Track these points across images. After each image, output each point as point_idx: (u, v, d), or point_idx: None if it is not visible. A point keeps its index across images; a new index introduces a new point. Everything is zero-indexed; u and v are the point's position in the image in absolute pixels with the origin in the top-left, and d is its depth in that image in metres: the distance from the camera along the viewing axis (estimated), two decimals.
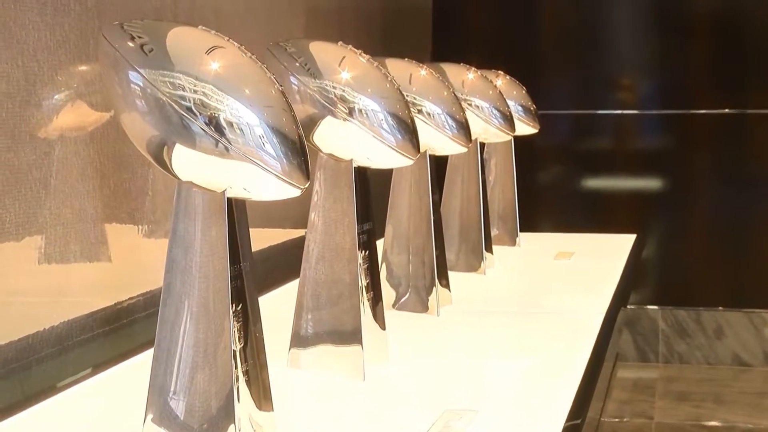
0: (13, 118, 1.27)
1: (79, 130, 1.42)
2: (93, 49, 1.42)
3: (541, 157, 4.06)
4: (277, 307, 1.45)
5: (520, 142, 2.25)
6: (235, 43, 0.96)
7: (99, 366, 1.38)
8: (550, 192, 4.12)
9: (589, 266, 2.09)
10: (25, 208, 1.30)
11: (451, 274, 1.73)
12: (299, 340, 1.29)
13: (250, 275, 0.98)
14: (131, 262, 1.57)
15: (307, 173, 0.94)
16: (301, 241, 1.33)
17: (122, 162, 1.52)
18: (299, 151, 0.93)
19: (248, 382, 0.97)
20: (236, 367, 0.95)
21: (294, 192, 0.94)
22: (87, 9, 1.42)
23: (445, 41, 3.91)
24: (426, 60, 2.53)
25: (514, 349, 1.43)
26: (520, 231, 2.28)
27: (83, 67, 1.42)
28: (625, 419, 3.51)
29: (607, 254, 2.15)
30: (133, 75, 0.93)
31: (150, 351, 1.37)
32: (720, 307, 3.97)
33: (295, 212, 2.09)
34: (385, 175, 1.64)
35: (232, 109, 0.92)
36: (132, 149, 1.53)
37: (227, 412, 0.94)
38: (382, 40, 3.07)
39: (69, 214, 1.40)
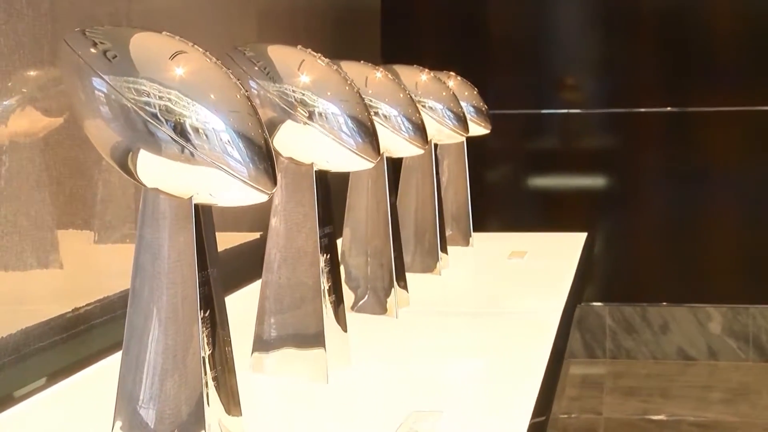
0: None
1: (32, 136, 1.41)
2: (48, 54, 1.40)
3: (491, 157, 4.08)
4: (236, 311, 1.44)
5: (471, 142, 2.26)
6: (200, 49, 0.96)
7: (57, 374, 1.36)
8: (501, 191, 4.15)
9: (542, 265, 2.10)
10: None
11: (407, 276, 1.73)
12: (262, 344, 1.29)
13: (217, 281, 0.98)
14: (87, 269, 1.55)
15: (274, 178, 0.94)
16: (255, 244, 1.31)
17: (77, 168, 1.50)
18: (266, 156, 0.93)
19: (217, 387, 0.97)
20: (206, 373, 0.95)
21: (261, 197, 0.94)
22: (40, 14, 1.40)
23: (395, 42, 3.92)
24: (376, 61, 2.53)
25: (475, 350, 1.44)
26: (473, 231, 2.29)
27: (38, 72, 1.40)
28: (573, 415, 3.54)
29: (560, 253, 2.17)
30: (97, 81, 0.92)
31: (107, 359, 1.37)
32: (665, 303, 4.02)
33: (248, 216, 2.08)
34: (343, 178, 1.64)
35: (198, 115, 0.91)
36: (87, 155, 1.52)
37: (197, 418, 0.93)
38: (333, 42, 3.07)
39: (24, 221, 1.38)
